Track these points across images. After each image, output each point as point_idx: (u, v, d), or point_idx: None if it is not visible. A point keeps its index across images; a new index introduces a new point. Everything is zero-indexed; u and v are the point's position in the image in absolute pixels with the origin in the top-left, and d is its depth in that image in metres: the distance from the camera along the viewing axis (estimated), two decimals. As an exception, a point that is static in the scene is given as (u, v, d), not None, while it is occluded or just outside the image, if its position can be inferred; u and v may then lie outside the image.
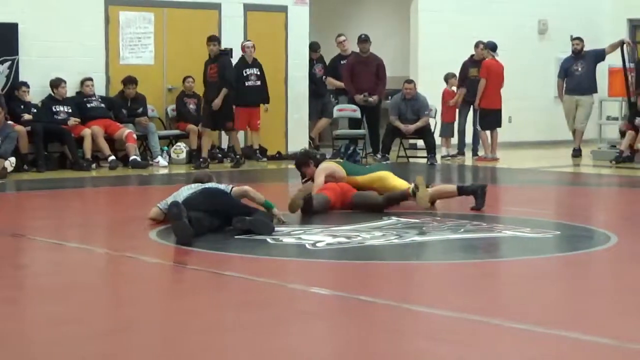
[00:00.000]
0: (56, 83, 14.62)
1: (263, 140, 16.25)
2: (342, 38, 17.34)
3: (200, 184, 8.51)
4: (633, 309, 5.64)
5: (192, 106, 15.81)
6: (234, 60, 15.77)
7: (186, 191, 8.30)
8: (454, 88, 17.18)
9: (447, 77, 17.17)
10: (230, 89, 15.03)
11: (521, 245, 7.84)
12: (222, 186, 8.51)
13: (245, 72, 15.91)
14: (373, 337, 4.92)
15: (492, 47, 16.66)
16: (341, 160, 10.69)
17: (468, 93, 16.85)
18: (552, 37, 20.34)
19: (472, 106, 16.80)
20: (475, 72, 16.85)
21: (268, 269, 6.87)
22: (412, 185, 9.51)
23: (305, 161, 10.03)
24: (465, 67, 17.10)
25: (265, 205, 8.51)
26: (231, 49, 15.64)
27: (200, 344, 4.74)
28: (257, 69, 16.02)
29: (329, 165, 9.90)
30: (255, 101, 16.00)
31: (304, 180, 10.09)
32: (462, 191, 9.86)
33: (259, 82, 16.03)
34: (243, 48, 15.99)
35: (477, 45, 16.98)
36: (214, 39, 15.23)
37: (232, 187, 8.50)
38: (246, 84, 15.88)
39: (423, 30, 19.03)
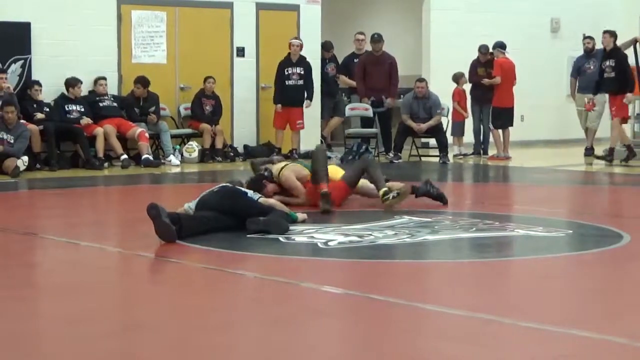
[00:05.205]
0: (72, 82, 14.67)
1: (276, 139, 16.27)
2: (361, 37, 17.35)
3: (222, 185, 8.49)
4: (646, 308, 5.63)
5: (208, 107, 15.82)
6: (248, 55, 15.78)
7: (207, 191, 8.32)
8: (465, 87, 17.19)
9: (457, 77, 17.16)
10: None
11: (533, 244, 7.82)
12: (249, 192, 8.45)
13: (287, 71, 15.99)
14: (385, 336, 4.92)
15: (500, 45, 16.67)
16: (297, 159, 10.54)
17: (476, 92, 16.90)
18: (564, 36, 20.32)
19: (481, 106, 16.90)
20: (482, 72, 16.88)
21: (280, 267, 6.87)
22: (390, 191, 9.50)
23: (260, 185, 9.32)
24: (474, 67, 17.11)
25: (291, 217, 8.44)
26: None
27: (212, 342, 4.75)
28: (301, 68, 16.07)
29: (295, 168, 9.80)
30: (295, 101, 16.03)
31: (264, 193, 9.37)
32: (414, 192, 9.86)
33: (300, 82, 16.07)
34: (289, 45, 16.05)
35: (480, 50, 16.99)
36: None
37: (259, 197, 8.44)
38: (286, 83, 15.95)
39: (435, 29, 19.05)
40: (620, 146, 15.64)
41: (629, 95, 15.26)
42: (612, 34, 15.49)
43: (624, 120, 15.65)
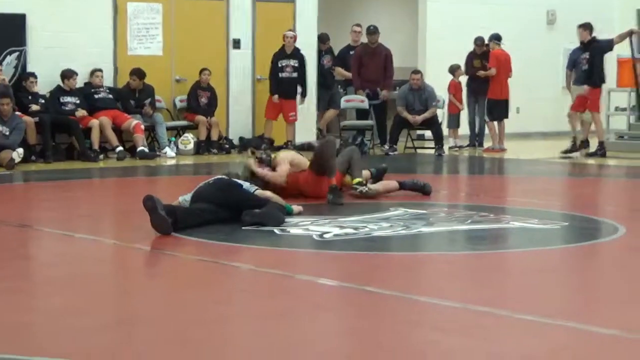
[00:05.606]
0: (68, 74, 14.65)
1: (265, 129, 16.24)
2: (358, 28, 17.33)
3: (217, 177, 8.47)
4: (641, 300, 5.64)
5: (203, 99, 15.82)
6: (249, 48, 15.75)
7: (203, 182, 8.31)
8: (461, 79, 17.19)
9: (453, 69, 17.16)
10: None
11: (529, 236, 7.83)
12: (245, 184, 8.42)
13: (281, 64, 15.98)
14: (380, 328, 4.92)
15: (496, 37, 16.67)
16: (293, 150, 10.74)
17: (472, 84, 16.91)
18: (560, 28, 20.31)
19: (477, 98, 16.90)
20: (478, 64, 16.89)
21: (275, 259, 6.87)
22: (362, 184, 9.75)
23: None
24: (469, 58, 17.11)
25: (287, 209, 8.41)
26: None
27: (207, 335, 4.75)
28: (296, 61, 16.05)
29: (294, 154, 9.84)
30: (289, 93, 16.02)
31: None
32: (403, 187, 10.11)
33: (294, 74, 16.05)
34: (283, 37, 16.04)
35: (475, 42, 16.99)
36: None
37: (255, 189, 8.42)
38: (280, 76, 15.94)
39: (431, 21, 19.03)
40: (571, 138, 15.77)
41: (586, 87, 15.26)
42: (587, 27, 15.47)
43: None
